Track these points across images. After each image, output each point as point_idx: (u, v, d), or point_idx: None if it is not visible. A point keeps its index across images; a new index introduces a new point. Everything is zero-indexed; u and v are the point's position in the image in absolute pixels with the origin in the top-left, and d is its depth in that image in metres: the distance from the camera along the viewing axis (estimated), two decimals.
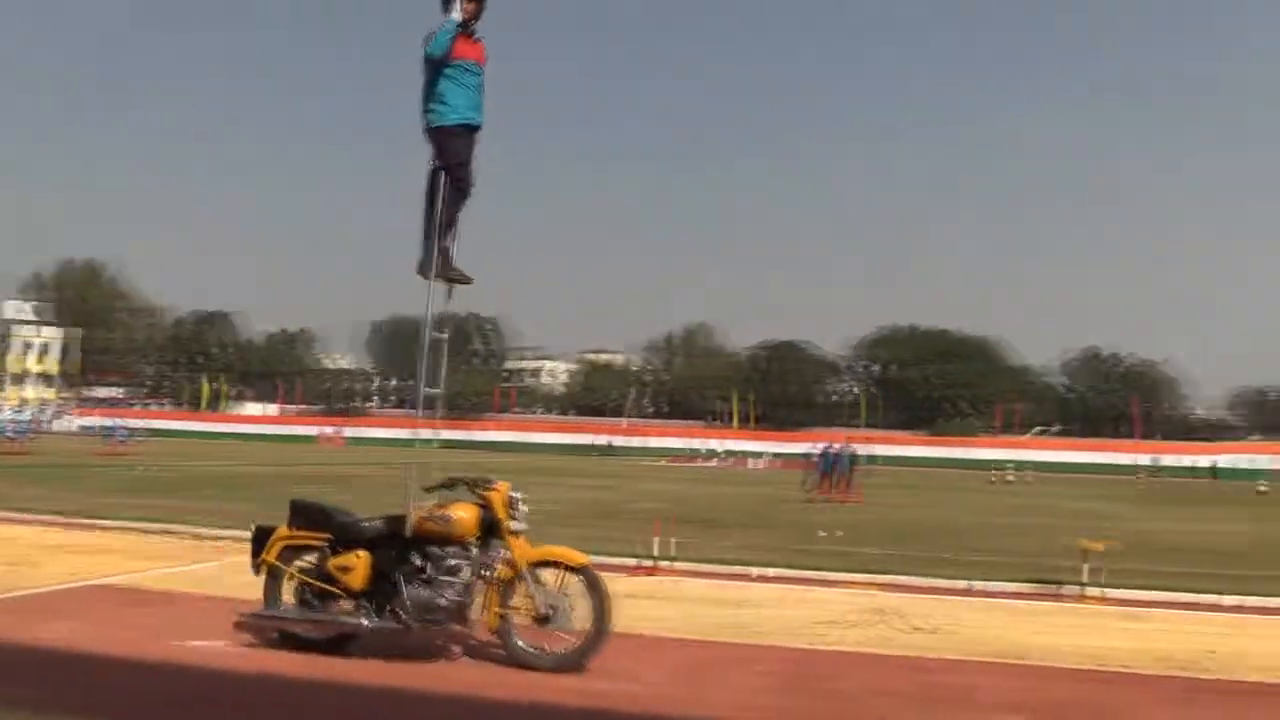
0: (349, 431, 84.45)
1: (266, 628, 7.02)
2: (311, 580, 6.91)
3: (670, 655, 7.39)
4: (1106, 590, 10.80)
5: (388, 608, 6.71)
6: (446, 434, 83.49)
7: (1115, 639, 8.47)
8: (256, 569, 7.13)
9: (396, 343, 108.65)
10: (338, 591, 6.82)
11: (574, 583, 6.73)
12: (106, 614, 8.18)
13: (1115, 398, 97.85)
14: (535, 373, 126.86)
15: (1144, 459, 73.39)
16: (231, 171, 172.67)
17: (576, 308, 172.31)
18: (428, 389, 7.69)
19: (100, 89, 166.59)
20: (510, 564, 6.77)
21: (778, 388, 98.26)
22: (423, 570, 6.76)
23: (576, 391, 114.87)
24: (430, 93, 7.49)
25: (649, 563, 11.90)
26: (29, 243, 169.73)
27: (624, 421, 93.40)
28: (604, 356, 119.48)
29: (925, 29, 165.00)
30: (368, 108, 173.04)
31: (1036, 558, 13.34)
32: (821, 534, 16.91)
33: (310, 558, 7.02)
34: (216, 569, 10.99)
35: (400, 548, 6.83)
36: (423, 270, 7.49)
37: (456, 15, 7.38)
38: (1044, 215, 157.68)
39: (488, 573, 6.77)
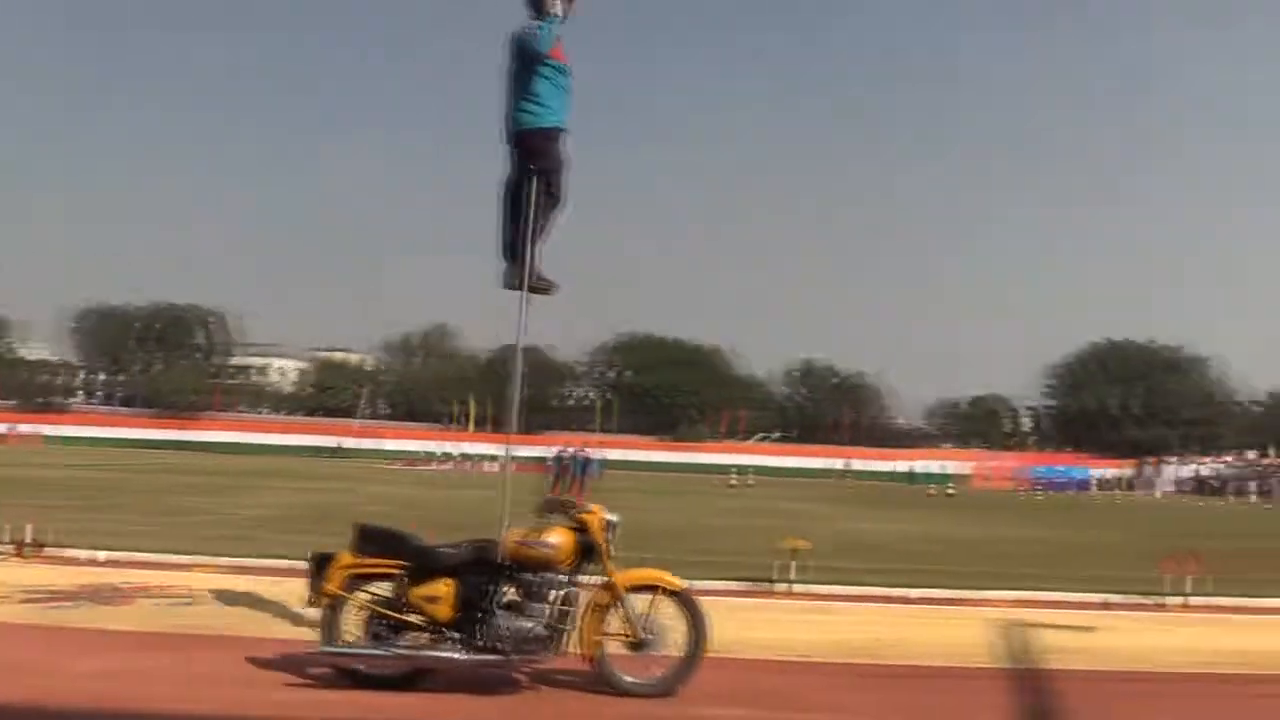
0: (47, 429, 77.23)
1: (328, 664, 6.40)
2: (387, 611, 6.36)
3: None
4: (810, 586, 11.53)
5: (477, 638, 6.27)
6: (157, 434, 78.18)
7: (807, 632, 9.06)
8: (315, 600, 6.41)
9: (103, 333, 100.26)
10: (418, 623, 6.35)
11: (667, 606, 6.54)
12: None
13: (829, 407, 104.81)
14: (263, 370, 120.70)
15: (854, 464, 79.36)
16: None
17: (309, 304, 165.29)
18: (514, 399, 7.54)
19: None
20: (609, 589, 6.54)
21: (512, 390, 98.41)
22: (514, 598, 6.43)
23: (307, 391, 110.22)
24: (527, 93, 7.13)
25: None
26: None
27: (356, 422, 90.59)
28: (338, 355, 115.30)
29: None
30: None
31: (751, 556, 14.04)
32: None
33: (379, 587, 6.45)
34: None
35: (489, 575, 6.42)
36: (510, 282, 7.27)
37: (559, 12, 7.03)
38: (772, 233, 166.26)
39: (584, 598, 6.50)
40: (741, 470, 62.73)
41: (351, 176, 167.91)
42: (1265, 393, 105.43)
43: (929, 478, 71.96)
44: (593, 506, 6.80)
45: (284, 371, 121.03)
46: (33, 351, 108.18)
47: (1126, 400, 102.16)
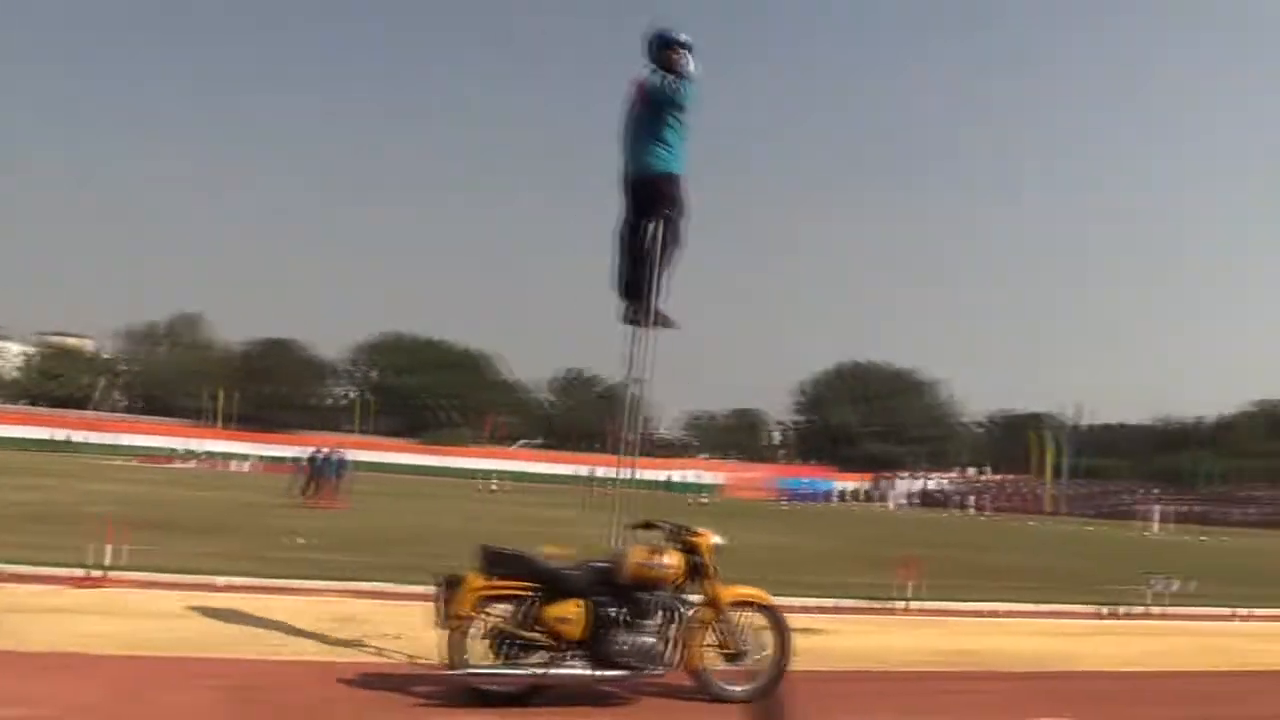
0: None
1: (464, 684, 6.50)
2: (519, 631, 6.57)
3: (107, 674, 6.74)
4: None
5: (602, 655, 6.55)
6: None
7: None
8: (447, 623, 6.55)
9: None
10: (543, 641, 6.55)
11: (757, 619, 7.09)
12: None
13: (592, 415, 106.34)
14: None
15: (598, 470, 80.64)
16: None
17: (38, 283, 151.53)
18: (627, 436, 8.26)
19: None
20: (712, 605, 6.99)
21: (269, 387, 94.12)
22: (632, 615, 6.73)
23: (33, 378, 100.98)
24: (658, 140, 7.48)
25: (98, 573, 10.76)
26: None
27: (90, 414, 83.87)
28: (70, 340, 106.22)
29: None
30: None
31: None
32: (300, 540, 16.44)
33: (505, 607, 6.65)
34: None
35: (611, 594, 6.72)
36: (631, 318, 7.76)
37: (697, 70, 7.51)
38: (543, 238, 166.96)
39: (691, 614, 6.93)
40: (501, 476, 62.54)
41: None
42: (985, 415, 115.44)
43: (685, 487, 74.22)
44: (702, 530, 7.29)
45: (5, 355, 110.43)
46: None
47: (867, 418, 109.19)
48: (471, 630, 6.58)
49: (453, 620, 6.51)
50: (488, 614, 6.62)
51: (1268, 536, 55.12)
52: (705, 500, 57.12)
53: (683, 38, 7.72)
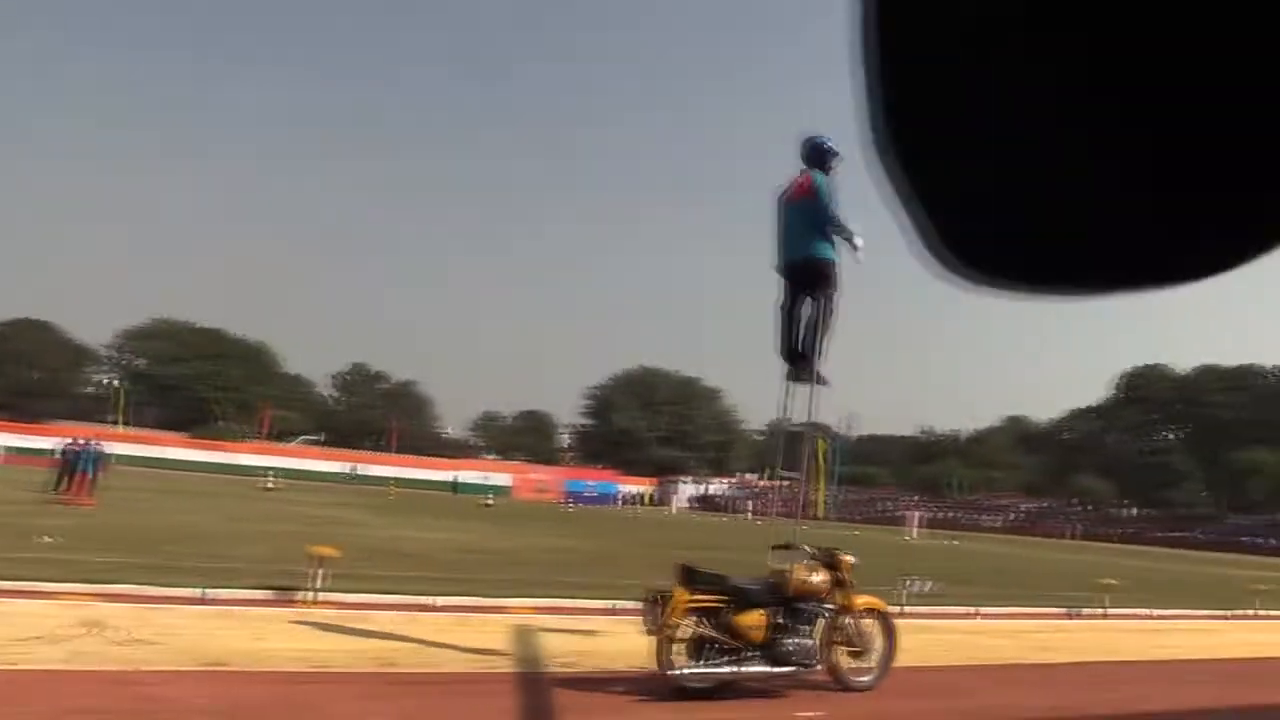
0: None
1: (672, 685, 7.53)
2: (716, 636, 7.69)
3: None
4: (333, 595, 11.33)
5: (777, 655, 7.86)
6: None
7: (328, 641, 8.96)
8: (658, 630, 7.52)
9: None
10: (734, 645, 7.72)
11: (872, 623, 8.70)
12: None
13: (377, 413, 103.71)
14: None
15: (359, 468, 79.40)
16: None
17: None
18: (791, 473, 9.61)
19: None
20: (846, 612, 8.46)
21: (19, 371, 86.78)
22: (793, 622, 8.06)
23: None
24: (820, 234, 8.70)
25: None
26: None
27: None
28: None
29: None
30: None
31: (276, 564, 13.50)
32: (48, 539, 15.28)
33: (699, 618, 7.67)
34: None
35: (780, 604, 8.03)
36: (796, 377, 9.04)
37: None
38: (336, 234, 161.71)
39: (831, 620, 8.37)
40: (277, 473, 60.10)
41: None
42: (765, 423, 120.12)
43: (471, 488, 73.50)
44: (843, 553, 8.70)
45: None
46: None
47: (653, 423, 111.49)
48: (683, 637, 7.70)
49: (664, 628, 7.52)
50: (689, 623, 7.66)
51: (1013, 542, 59.97)
52: (490, 501, 56.81)
53: (837, 147, 9.08)
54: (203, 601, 10.67)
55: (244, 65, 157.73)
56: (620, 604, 12.66)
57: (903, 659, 8.86)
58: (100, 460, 27.53)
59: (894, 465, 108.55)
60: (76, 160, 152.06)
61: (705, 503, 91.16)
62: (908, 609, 14.41)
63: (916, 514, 63.84)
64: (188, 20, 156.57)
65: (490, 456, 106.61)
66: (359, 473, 77.95)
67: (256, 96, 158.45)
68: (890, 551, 32.83)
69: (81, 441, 28.04)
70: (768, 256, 9.13)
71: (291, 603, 11.03)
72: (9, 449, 59.57)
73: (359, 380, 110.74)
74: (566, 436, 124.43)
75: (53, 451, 30.05)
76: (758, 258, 9.27)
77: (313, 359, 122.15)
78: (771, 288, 9.09)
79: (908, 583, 15.03)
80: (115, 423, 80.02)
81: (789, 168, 9.28)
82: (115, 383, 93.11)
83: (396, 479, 74.66)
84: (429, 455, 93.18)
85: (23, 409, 79.40)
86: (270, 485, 52.05)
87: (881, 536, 51.45)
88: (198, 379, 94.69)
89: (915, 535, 56.39)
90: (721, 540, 35.30)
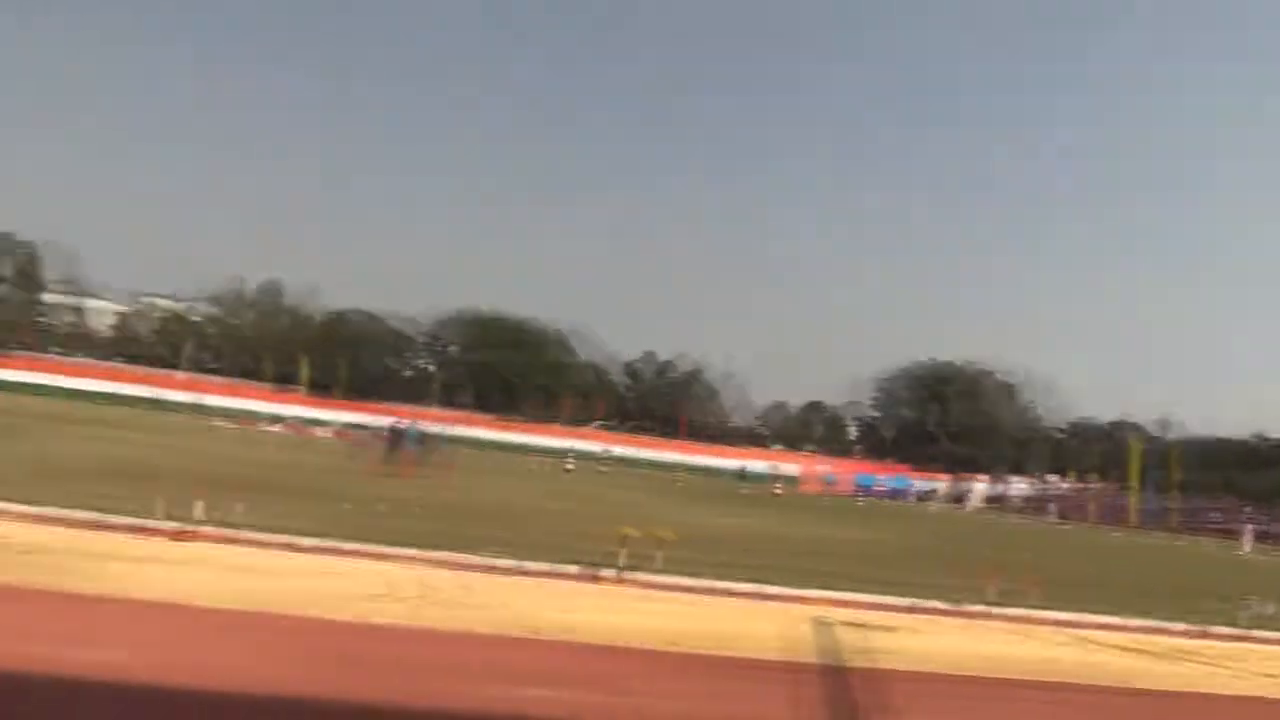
0: None
1: None
2: None
3: (189, 624, 7.01)
4: (636, 574, 11.70)
5: None
6: None
7: (631, 617, 9.25)
8: None
9: None
10: None
11: None
12: None
13: (665, 400, 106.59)
14: (78, 310, 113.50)
15: (614, 450, 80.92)
16: None
17: (135, 244, 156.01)
18: None
19: None
20: None
21: (352, 356, 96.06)
22: None
23: (126, 336, 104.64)
24: None
25: (189, 527, 11.12)
26: None
27: (179, 374, 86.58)
28: (162, 301, 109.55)
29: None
30: None
31: (582, 542, 14.13)
32: (381, 508, 16.77)
33: None
34: None
35: None
36: None
37: None
38: (636, 216, 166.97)
39: None
40: (576, 455, 63.04)
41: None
42: (1067, 422, 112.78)
43: (759, 478, 73.87)
44: None
45: (102, 314, 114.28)
46: None
47: (944, 418, 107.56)
48: None
49: None
50: None
51: None
52: (780, 490, 57.02)
53: None
54: (518, 573, 11.30)
55: (615, 64, 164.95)
56: (922, 602, 12.25)
57: (1239, 687, 7.97)
58: (423, 438, 29.99)
59: (1219, 471, 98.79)
60: (402, 171, 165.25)
61: (1003, 502, 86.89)
62: (1251, 632, 13.02)
63: (1250, 527, 57.73)
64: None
65: (777, 447, 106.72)
66: (612, 454, 79.56)
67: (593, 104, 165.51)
68: (1223, 567, 29.91)
69: (405, 422, 30.67)
70: None
71: (597, 579, 11.48)
72: (343, 425, 66.07)
73: (651, 368, 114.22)
74: (853, 429, 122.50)
75: (379, 429, 32.98)
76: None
77: (611, 347, 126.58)
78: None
79: (1249, 604, 13.59)
80: (431, 404, 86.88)
81: None
82: (431, 368, 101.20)
83: (685, 465, 76.31)
84: (716, 443, 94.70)
85: (353, 390, 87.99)
86: (570, 467, 54.67)
87: (1209, 550, 47.02)
88: (501, 364, 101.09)
89: (1248, 550, 51.04)
90: (1028, 542, 33.44)
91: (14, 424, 29.96)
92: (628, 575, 11.64)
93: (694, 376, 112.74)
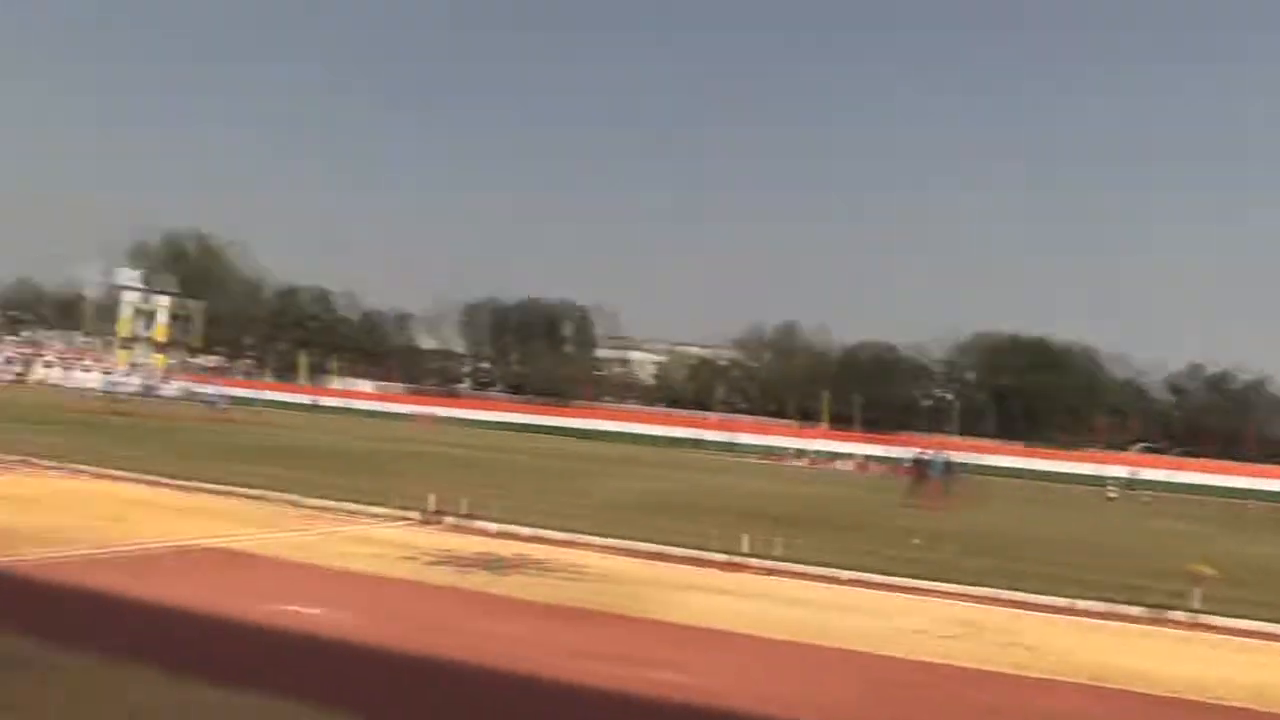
0: (442, 412, 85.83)
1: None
2: None
3: (747, 652, 7.34)
4: (1209, 617, 10.32)
5: None
6: (535, 420, 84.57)
7: (1215, 668, 8.10)
8: None
9: (486, 326, 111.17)
10: None
11: None
12: (205, 574, 8.40)
13: (1223, 417, 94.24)
14: (624, 363, 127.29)
15: (1268, 484, 70.61)
16: (339, 154, 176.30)
17: (671, 299, 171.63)
18: None
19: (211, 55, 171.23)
20: None
21: (869, 389, 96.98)
22: None
23: (667, 383, 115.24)
24: None
25: (737, 559, 11.78)
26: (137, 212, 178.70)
27: (713, 416, 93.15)
28: (693, 349, 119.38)
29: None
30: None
31: (1137, 578, 12.82)
32: (915, 541, 16.54)
33: None
34: (314, 537, 11.23)
35: None
36: None
37: None
38: (1155, 223, 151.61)
39: None
40: (1125, 484, 57.76)
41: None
42: None
43: None
44: None
45: (643, 364, 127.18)
46: (428, 341, 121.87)
47: None
48: None
49: None
50: None
51: None
52: None
53: None
54: (1067, 611, 10.49)
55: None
56: None
57: None
58: (949, 468, 29.27)
59: None
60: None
61: None
62: None
63: None
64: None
65: None
66: (1155, 479, 70.42)
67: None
68: None
69: (930, 451, 30.15)
70: None
71: (1163, 621, 10.31)
72: (866, 458, 66.85)
73: (1199, 382, 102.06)
74: None
75: (901, 460, 32.74)
76: None
77: (1146, 362, 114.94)
78: None
79: None
80: (951, 432, 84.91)
81: None
82: (948, 396, 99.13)
83: (1256, 491, 66.72)
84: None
85: (873, 423, 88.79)
86: (1112, 495, 50.30)
87: None
88: (1024, 388, 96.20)
89: None
90: None
91: (577, 466, 34.03)
92: (1203, 619, 10.30)
93: (1257, 389, 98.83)
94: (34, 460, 16.49)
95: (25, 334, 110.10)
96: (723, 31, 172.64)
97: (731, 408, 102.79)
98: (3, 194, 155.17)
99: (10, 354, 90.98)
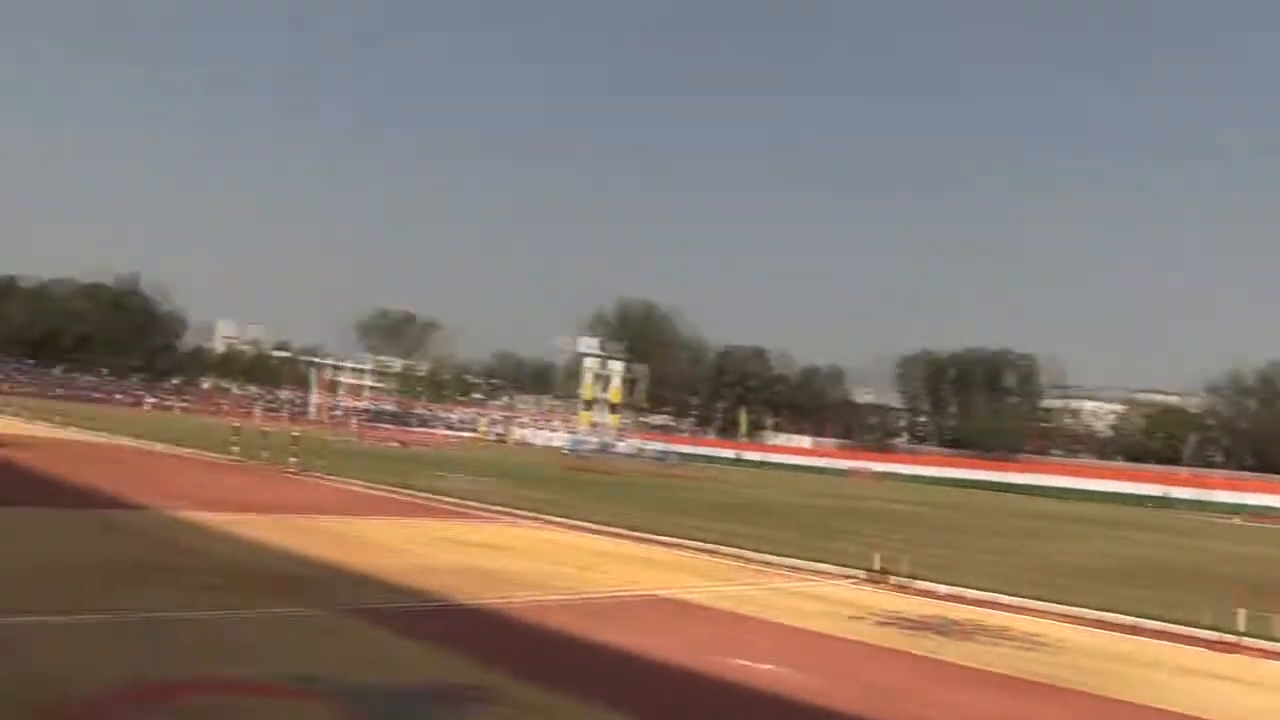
0: (878, 467, 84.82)
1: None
2: None
3: None
4: None
5: None
6: (976, 475, 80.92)
7: None
8: None
9: (923, 378, 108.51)
10: None
11: None
12: (662, 624, 8.81)
13: None
14: (1075, 413, 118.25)
15: None
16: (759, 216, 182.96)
17: (1126, 344, 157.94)
18: None
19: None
20: None
21: None
22: None
23: (1126, 435, 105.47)
24: None
25: (1229, 638, 10.29)
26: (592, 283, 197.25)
27: (1183, 470, 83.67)
28: (1157, 397, 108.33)
29: None
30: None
31: None
32: None
33: None
34: (762, 592, 11.43)
35: None
36: None
37: None
38: None
39: None
40: None
41: None
42: None
43: None
44: None
45: (1097, 414, 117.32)
46: (863, 395, 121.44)
47: None
48: None
49: None
50: None
51: None
52: None
53: None
54: None
55: None
56: None
57: None
58: None
59: None
60: None
61: None
62: None
63: None
64: None
65: None
66: None
67: None
68: None
69: None
70: None
71: None
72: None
73: None
74: None
75: None
76: None
77: None
78: None
79: None
80: None
81: None
82: None
83: None
84: None
85: None
86: None
87: None
88: None
89: None
90: None
91: (1026, 525, 31.87)
92: None
93: None
94: (513, 512, 18.41)
95: (505, 399, 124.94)
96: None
97: (1205, 461, 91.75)
98: (486, 274, 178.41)
99: (493, 416, 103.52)
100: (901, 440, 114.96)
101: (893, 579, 12.97)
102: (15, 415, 41.44)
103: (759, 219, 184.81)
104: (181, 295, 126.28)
